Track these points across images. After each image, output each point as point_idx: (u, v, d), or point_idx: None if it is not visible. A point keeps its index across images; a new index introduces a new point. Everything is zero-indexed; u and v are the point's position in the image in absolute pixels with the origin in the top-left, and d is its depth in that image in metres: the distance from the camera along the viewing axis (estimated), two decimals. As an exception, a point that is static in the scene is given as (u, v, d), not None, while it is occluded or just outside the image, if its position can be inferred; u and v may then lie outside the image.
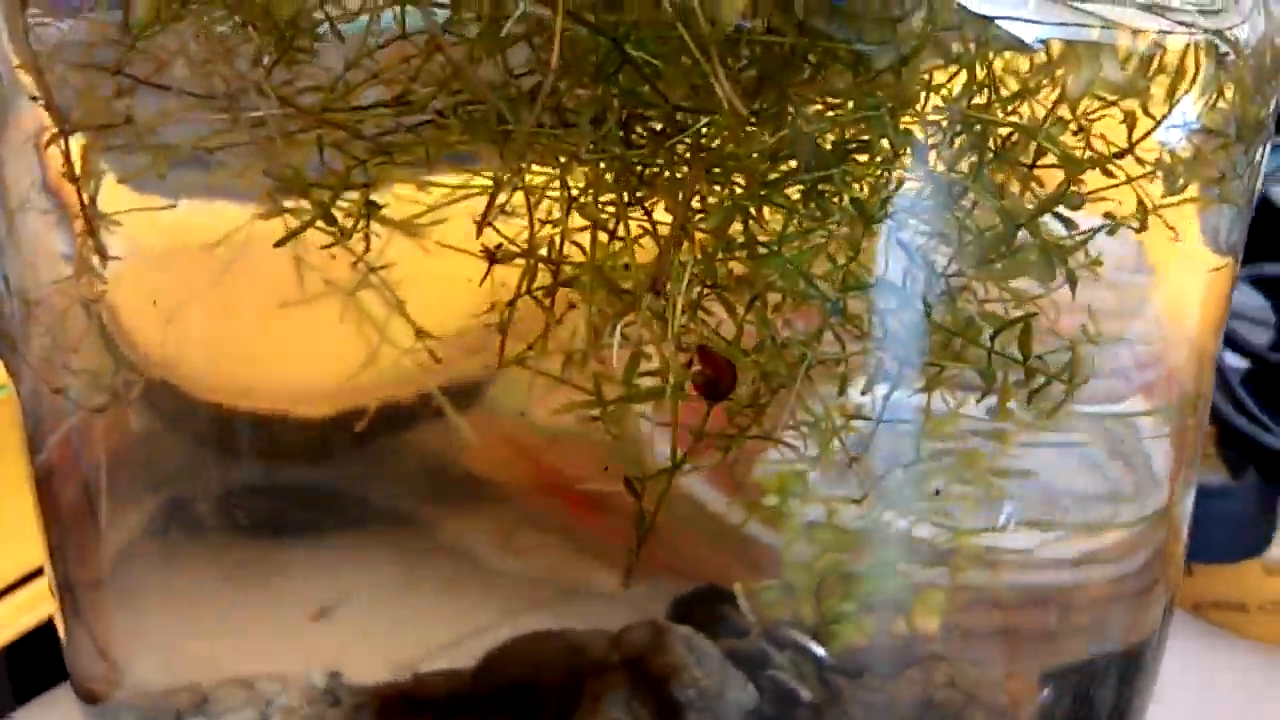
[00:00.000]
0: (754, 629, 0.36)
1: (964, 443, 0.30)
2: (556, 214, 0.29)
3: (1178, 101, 0.28)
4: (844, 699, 0.35)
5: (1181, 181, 0.28)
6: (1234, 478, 0.57)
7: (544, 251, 0.29)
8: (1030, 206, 0.26)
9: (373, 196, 0.31)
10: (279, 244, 0.29)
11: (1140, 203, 0.28)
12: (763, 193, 0.24)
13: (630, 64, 0.23)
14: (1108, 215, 0.29)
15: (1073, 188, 0.26)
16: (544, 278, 0.30)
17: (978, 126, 0.25)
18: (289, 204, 0.30)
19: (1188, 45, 0.27)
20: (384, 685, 0.37)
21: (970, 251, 0.27)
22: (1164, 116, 0.28)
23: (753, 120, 0.23)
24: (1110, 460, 0.33)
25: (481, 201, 0.30)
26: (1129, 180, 0.27)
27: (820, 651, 0.35)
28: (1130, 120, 0.27)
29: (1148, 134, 0.27)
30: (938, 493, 0.31)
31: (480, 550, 0.37)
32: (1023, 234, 0.28)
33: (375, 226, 0.31)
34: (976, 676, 0.36)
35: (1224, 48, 0.28)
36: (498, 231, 0.30)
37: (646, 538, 0.29)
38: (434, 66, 0.27)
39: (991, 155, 0.26)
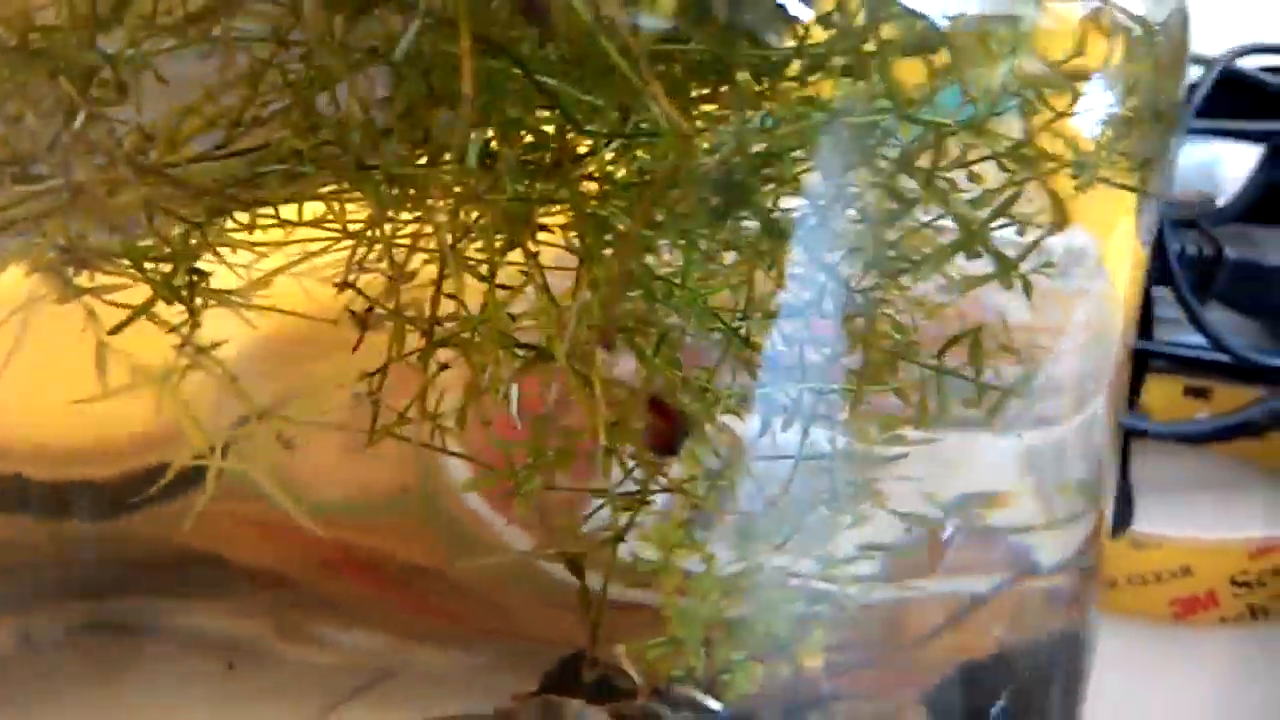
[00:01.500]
0: (641, 690, 0.34)
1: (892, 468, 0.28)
2: (418, 265, 0.26)
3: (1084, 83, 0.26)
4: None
5: (1105, 173, 0.26)
6: (1094, 460, 0.56)
7: (415, 310, 0.25)
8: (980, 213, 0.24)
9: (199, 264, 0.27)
10: (114, 331, 0.25)
11: (1054, 196, 0.26)
12: (689, 219, 0.22)
13: (539, 89, 0.20)
14: (1014, 216, 0.27)
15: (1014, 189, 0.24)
16: (414, 339, 0.27)
17: (923, 131, 0.23)
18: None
19: (1097, 23, 0.26)
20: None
21: (905, 266, 0.24)
22: (1072, 104, 0.26)
23: (690, 135, 0.20)
24: (1077, 456, 0.31)
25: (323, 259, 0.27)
26: (1042, 175, 0.25)
27: (715, 705, 0.33)
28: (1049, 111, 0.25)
29: (1057, 117, 0.26)
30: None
31: (280, 643, 0.34)
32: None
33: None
34: (878, 710, 0.34)
35: (1138, 28, 0.26)
36: (359, 291, 0.26)
37: (597, 614, 0.26)
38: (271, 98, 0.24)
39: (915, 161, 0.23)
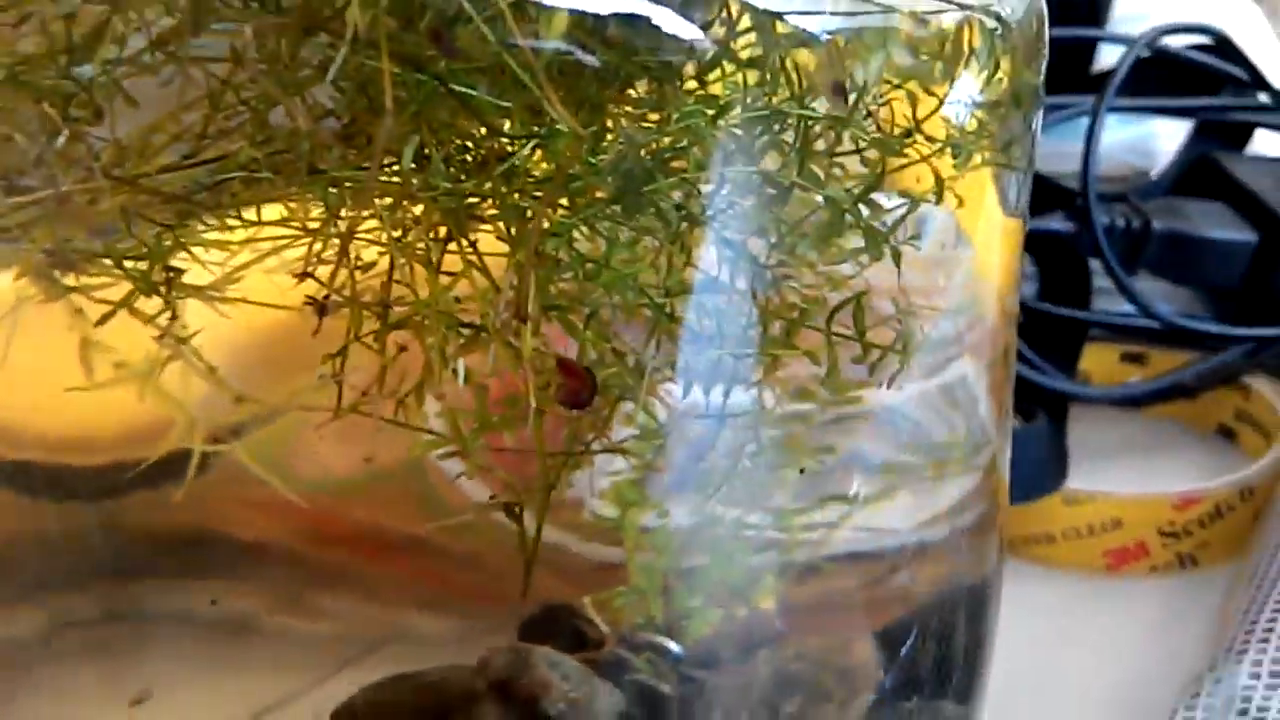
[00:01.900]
0: (607, 638, 0.37)
1: (805, 425, 0.31)
2: (375, 257, 0.29)
3: (958, 77, 0.29)
4: (706, 688, 0.36)
5: (973, 152, 0.29)
6: (1026, 422, 0.60)
7: (368, 296, 0.29)
8: (847, 192, 0.27)
9: (174, 261, 0.30)
10: (100, 322, 0.28)
11: (938, 177, 0.30)
12: (595, 209, 0.25)
13: (457, 99, 0.23)
14: (904, 193, 0.30)
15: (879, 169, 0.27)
16: (371, 323, 0.30)
17: (793, 122, 0.26)
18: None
19: (964, 24, 0.29)
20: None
21: (794, 242, 0.27)
22: (946, 94, 0.29)
23: (585, 137, 0.24)
24: (949, 418, 0.34)
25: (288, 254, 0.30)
26: (924, 159, 0.29)
27: (675, 648, 0.36)
28: (917, 100, 0.28)
29: (935, 110, 0.29)
30: (802, 471, 0.32)
31: (277, 617, 0.36)
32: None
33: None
34: (820, 644, 0.37)
35: (995, 24, 0.29)
36: (319, 281, 0.29)
37: (531, 555, 0.29)
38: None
39: (800, 149, 0.26)
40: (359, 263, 0.29)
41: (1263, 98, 0.77)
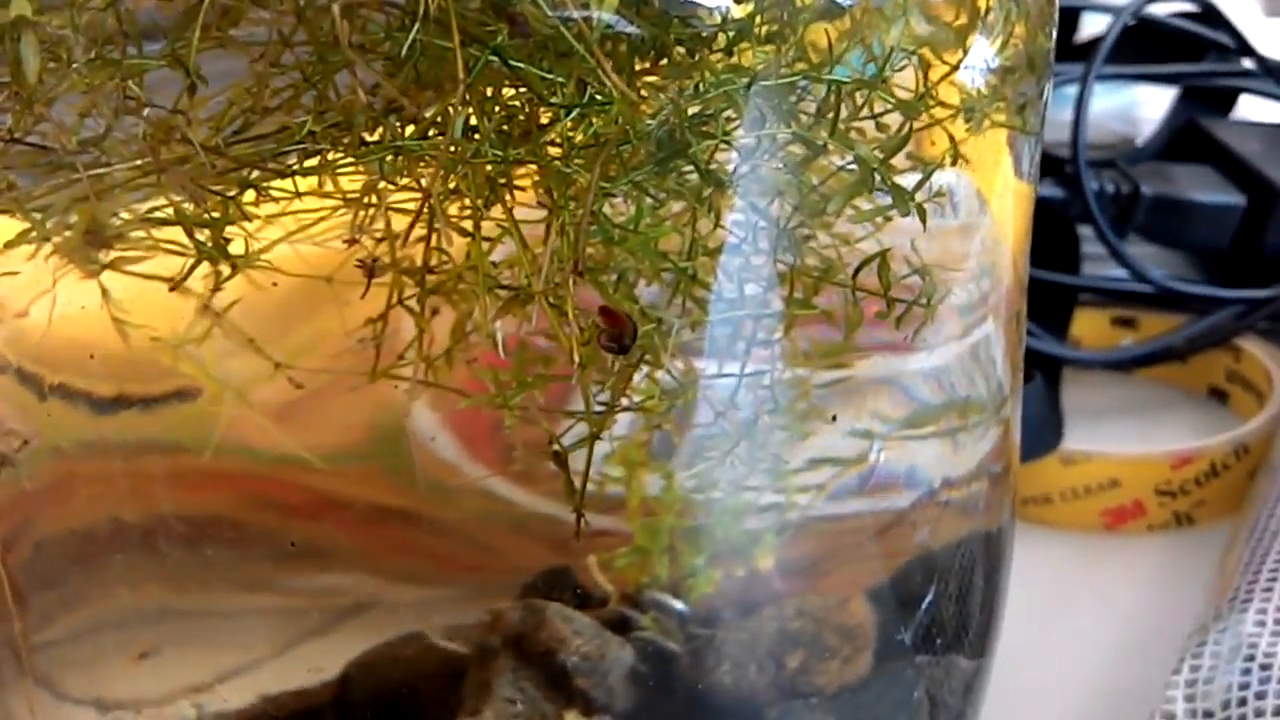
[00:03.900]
0: (612, 597, 0.38)
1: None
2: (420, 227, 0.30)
3: (972, 44, 0.30)
4: (714, 643, 0.37)
5: (988, 116, 0.30)
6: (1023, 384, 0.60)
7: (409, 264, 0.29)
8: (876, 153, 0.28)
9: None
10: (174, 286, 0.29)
11: (952, 139, 0.31)
12: (643, 170, 0.26)
13: (513, 73, 0.24)
14: (917, 158, 0.31)
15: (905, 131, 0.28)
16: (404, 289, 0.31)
17: (814, 89, 0.27)
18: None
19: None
20: (243, 711, 0.37)
21: (820, 203, 0.28)
22: (962, 59, 0.30)
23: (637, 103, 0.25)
24: (975, 377, 0.35)
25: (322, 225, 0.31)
26: (937, 122, 0.29)
27: (680, 606, 0.37)
28: (930, 66, 0.29)
29: (951, 71, 0.30)
30: (834, 418, 0.33)
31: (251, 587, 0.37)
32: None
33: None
34: (821, 602, 0.38)
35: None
36: (366, 248, 0.30)
37: (579, 511, 0.30)
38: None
39: (834, 113, 0.27)
40: (400, 231, 0.30)
41: (1246, 63, 0.78)
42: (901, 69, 0.28)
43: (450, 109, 0.26)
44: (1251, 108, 0.79)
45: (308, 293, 0.32)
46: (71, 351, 0.33)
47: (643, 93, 0.25)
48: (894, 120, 0.29)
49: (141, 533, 0.36)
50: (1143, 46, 0.77)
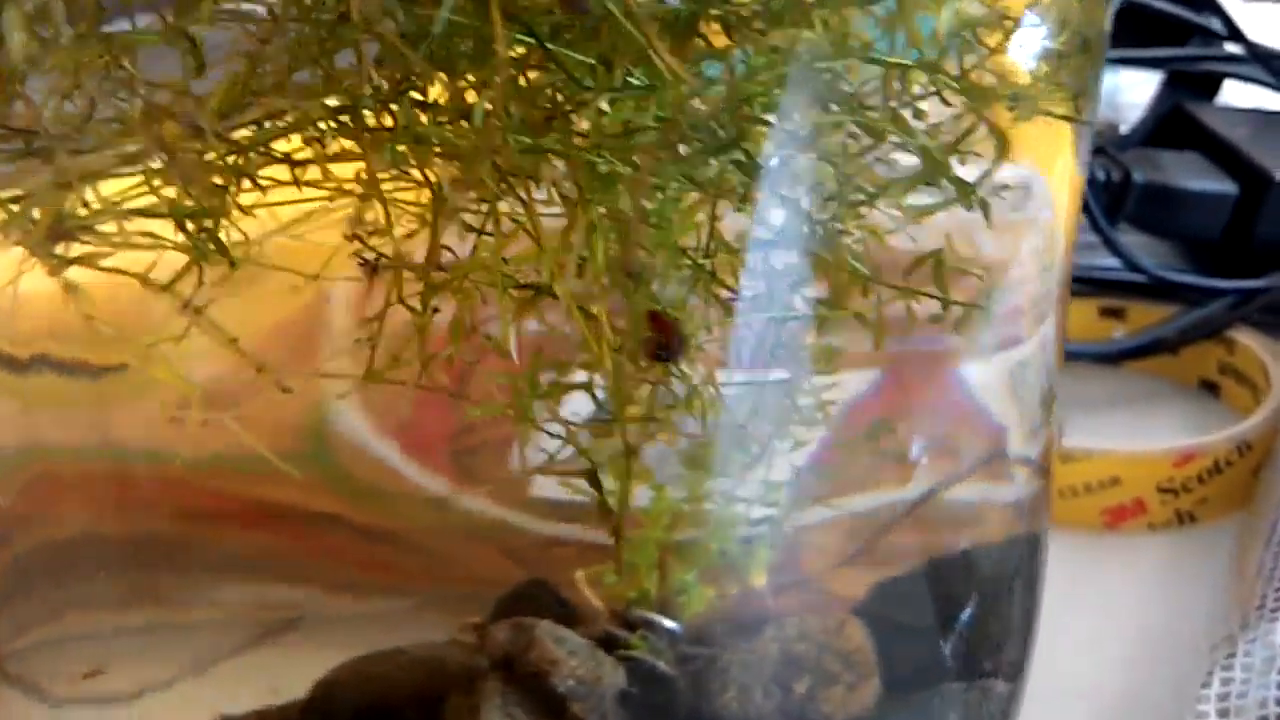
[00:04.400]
0: (600, 615, 0.36)
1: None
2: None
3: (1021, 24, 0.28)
4: (716, 663, 0.35)
5: (1048, 103, 0.28)
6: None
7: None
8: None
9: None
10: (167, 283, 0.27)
11: (996, 130, 0.28)
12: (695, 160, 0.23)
13: (549, 55, 0.21)
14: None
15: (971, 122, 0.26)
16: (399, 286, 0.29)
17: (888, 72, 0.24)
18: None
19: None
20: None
21: (870, 197, 0.26)
22: (1013, 40, 0.28)
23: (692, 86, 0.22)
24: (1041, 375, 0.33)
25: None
26: (991, 109, 0.27)
27: (672, 625, 0.35)
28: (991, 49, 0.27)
29: (1000, 48, 0.27)
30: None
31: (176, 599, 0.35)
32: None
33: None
34: (822, 624, 0.36)
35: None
36: (364, 243, 0.28)
37: (619, 522, 0.28)
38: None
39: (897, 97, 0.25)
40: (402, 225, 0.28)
41: (1231, 48, 0.76)
42: (964, 54, 0.26)
43: (477, 93, 0.23)
44: (1236, 93, 0.78)
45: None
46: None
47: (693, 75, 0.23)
48: (939, 109, 0.27)
49: (77, 546, 0.34)
50: (1126, 30, 0.75)
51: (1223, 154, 0.69)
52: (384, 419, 0.32)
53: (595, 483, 0.27)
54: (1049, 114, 0.29)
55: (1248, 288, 0.65)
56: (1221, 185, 0.67)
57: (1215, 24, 0.75)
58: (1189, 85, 0.77)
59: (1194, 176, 0.68)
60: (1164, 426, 0.63)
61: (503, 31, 0.20)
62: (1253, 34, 0.76)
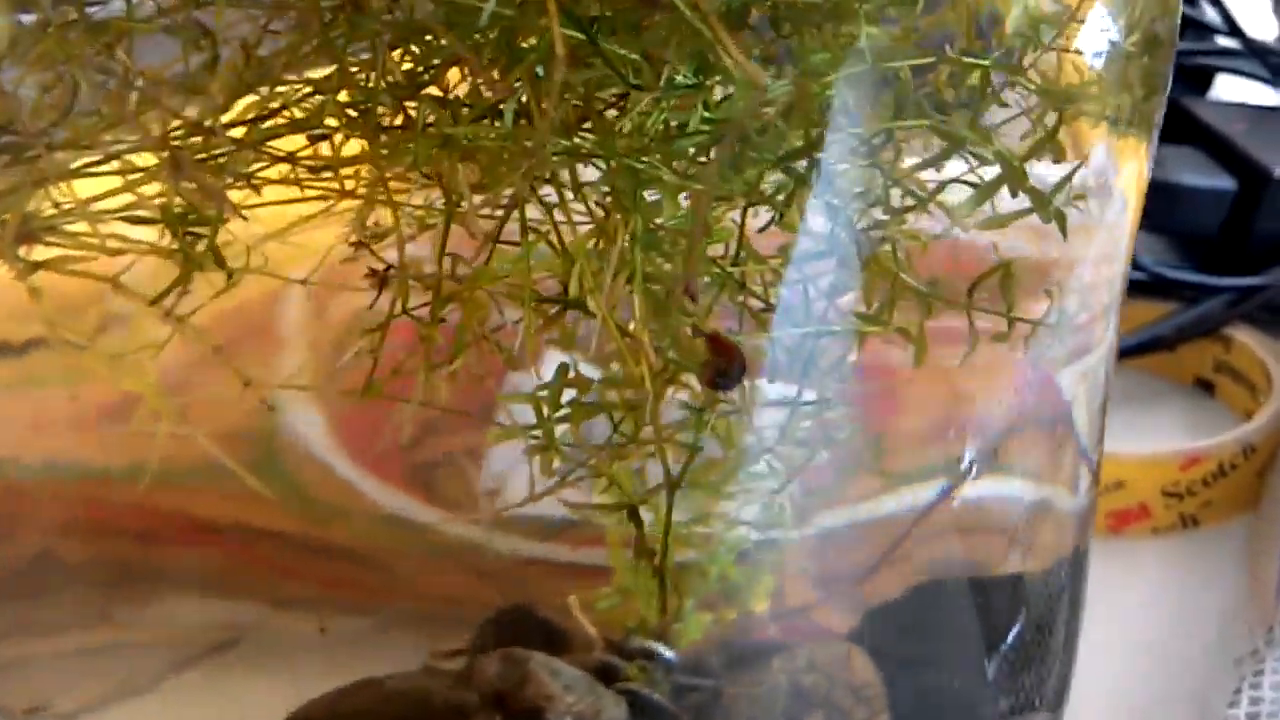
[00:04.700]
0: (594, 643, 0.34)
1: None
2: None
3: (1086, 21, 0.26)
4: (723, 696, 0.34)
5: (1119, 106, 0.27)
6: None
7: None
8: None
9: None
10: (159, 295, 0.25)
11: (1050, 131, 0.27)
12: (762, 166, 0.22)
13: (601, 55, 0.20)
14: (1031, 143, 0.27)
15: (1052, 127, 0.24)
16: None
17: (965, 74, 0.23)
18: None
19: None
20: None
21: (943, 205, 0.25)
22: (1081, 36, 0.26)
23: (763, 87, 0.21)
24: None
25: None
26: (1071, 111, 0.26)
27: (669, 654, 0.33)
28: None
29: (1063, 40, 0.26)
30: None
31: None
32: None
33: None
34: (832, 654, 0.35)
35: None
36: (372, 251, 0.26)
37: (664, 559, 0.26)
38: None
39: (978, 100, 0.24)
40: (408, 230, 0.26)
41: (1224, 42, 0.75)
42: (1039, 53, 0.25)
43: (506, 91, 0.21)
44: (1228, 88, 0.77)
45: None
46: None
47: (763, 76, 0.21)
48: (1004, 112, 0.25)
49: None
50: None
51: (1221, 150, 0.68)
52: (340, 429, 0.30)
53: (636, 519, 0.25)
54: (1124, 122, 0.27)
55: (1246, 285, 0.64)
56: (1220, 181, 0.66)
57: (1210, 17, 0.74)
58: (1180, 79, 0.76)
59: (1192, 172, 0.67)
60: (1160, 425, 0.62)
61: (560, 29, 0.19)
62: (1247, 28, 0.75)
